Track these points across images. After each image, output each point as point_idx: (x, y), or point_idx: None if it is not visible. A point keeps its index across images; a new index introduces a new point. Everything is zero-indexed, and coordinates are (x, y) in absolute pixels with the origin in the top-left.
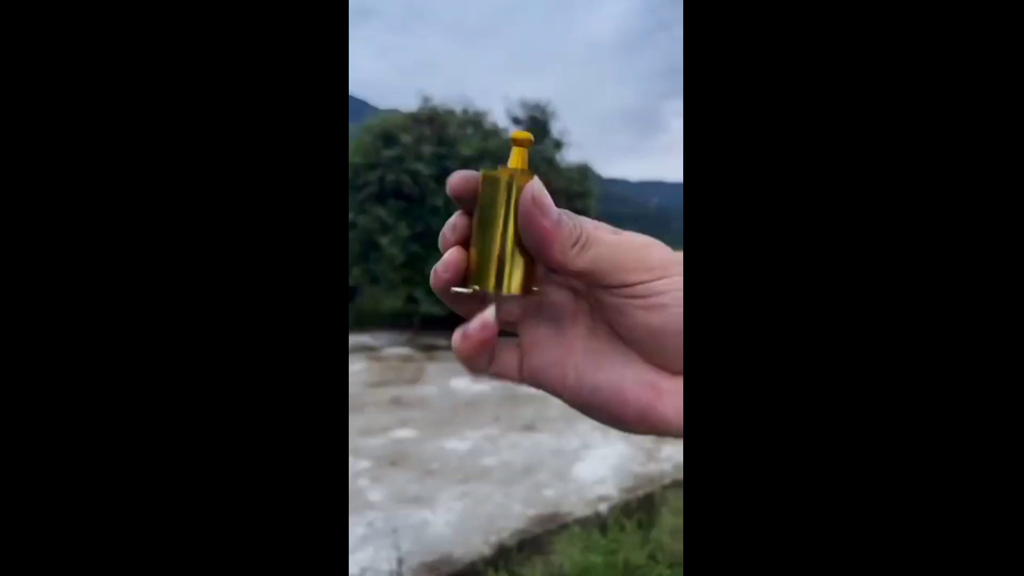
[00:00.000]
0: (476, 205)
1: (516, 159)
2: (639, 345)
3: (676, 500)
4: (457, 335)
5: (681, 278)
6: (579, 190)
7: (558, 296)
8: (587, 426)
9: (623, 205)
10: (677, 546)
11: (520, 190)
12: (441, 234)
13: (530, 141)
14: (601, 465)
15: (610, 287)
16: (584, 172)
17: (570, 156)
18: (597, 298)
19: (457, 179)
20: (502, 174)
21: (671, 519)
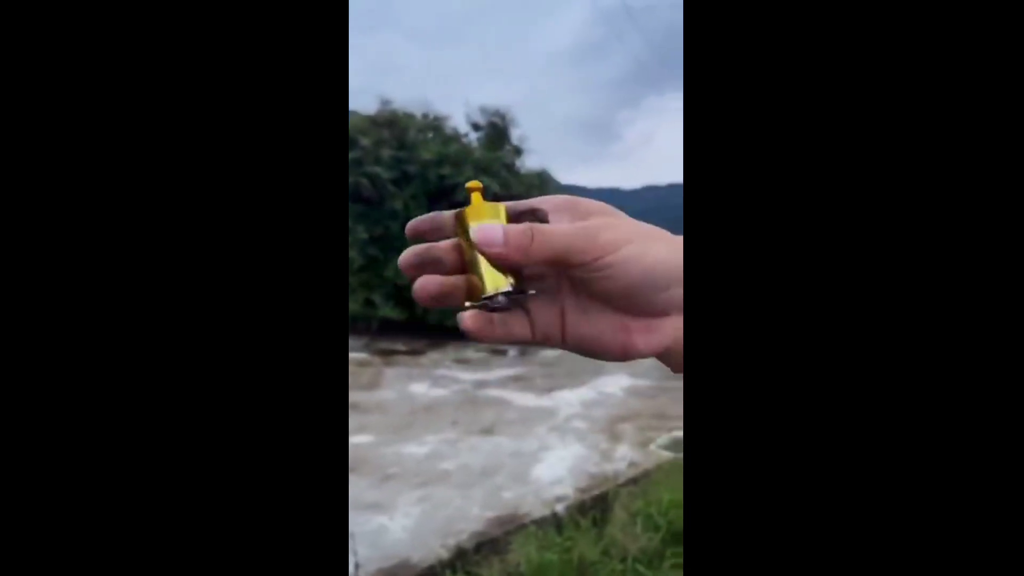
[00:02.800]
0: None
1: (475, 200)
2: (610, 303)
3: (629, 498)
4: (466, 317)
5: (633, 246)
6: (537, 196)
7: (547, 273)
8: (545, 428)
9: None
10: (629, 542)
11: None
12: (425, 262)
13: (479, 187)
14: (559, 466)
15: (572, 266)
16: (543, 178)
17: (529, 162)
18: (568, 274)
19: (415, 224)
20: (459, 217)
21: (624, 516)
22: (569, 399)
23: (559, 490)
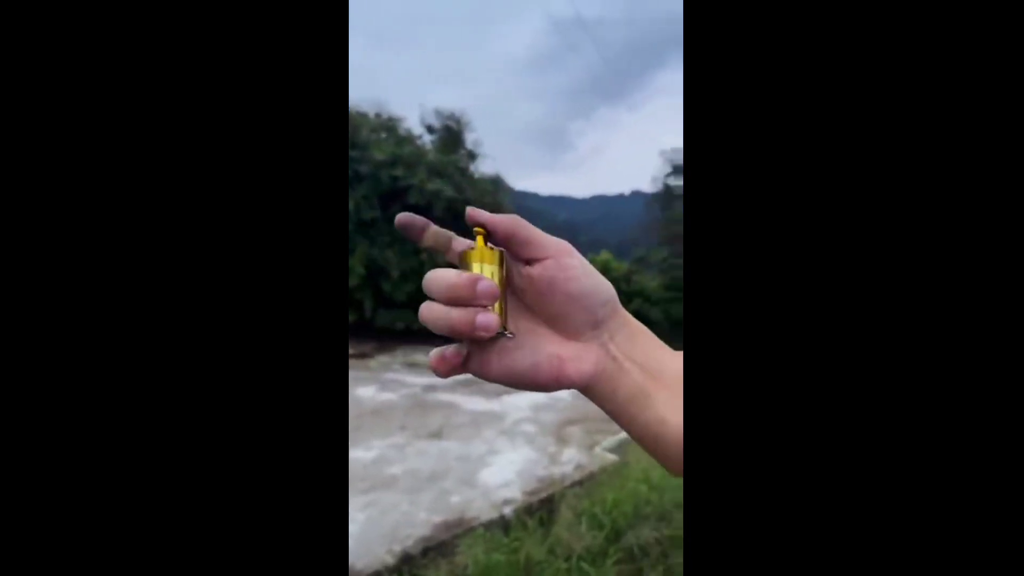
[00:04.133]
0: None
1: (479, 243)
2: (547, 317)
3: (575, 499)
4: (435, 356)
5: (562, 259)
6: (491, 202)
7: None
8: (493, 432)
9: (535, 218)
10: (574, 541)
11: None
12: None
13: (483, 232)
14: (507, 469)
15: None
16: (497, 184)
17: (483, 167)
18: (518, 284)
19: (403, 219)
20: (463, 257)
21: (570, 516)
22: (518, 403)
23: (507, 493)
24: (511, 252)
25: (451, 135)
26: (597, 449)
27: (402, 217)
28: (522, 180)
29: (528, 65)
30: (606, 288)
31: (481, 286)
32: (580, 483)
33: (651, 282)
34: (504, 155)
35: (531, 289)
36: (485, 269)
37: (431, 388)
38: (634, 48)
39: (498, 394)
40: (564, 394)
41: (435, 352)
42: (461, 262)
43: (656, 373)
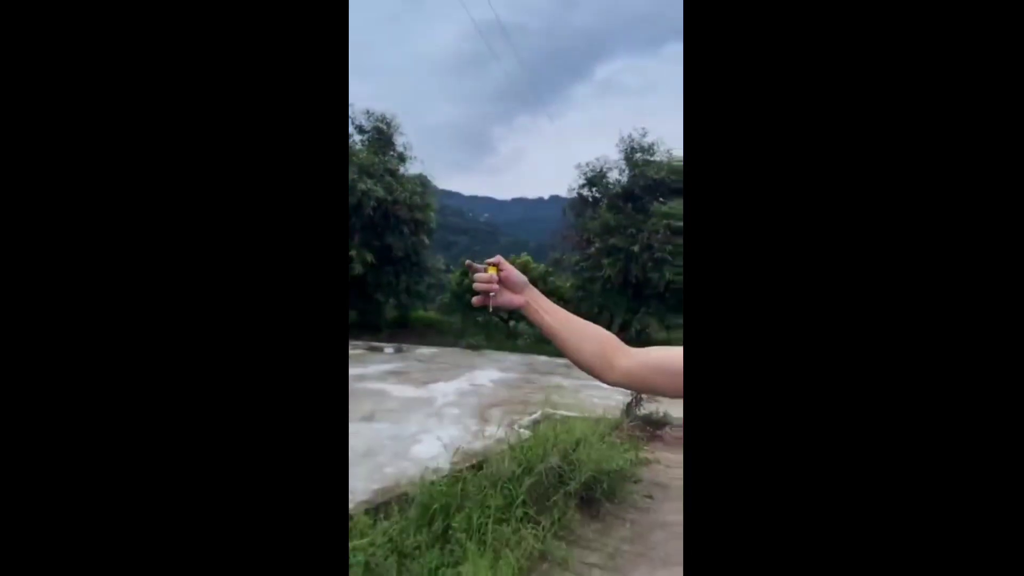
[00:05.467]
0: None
1: (493, 268)
2: (509, 286)
3: (496, 463)
4: (477, 301)
5: (512, 274)
6: (420, 202)
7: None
8: (422, 415)
9: (458, 217)
10: (501, 472)
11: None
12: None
13: (497, 265)
14: (436, 445)
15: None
16: (424, 183)
17: (410, 167)
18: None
19: (468, 265)
20: (489, 270)
21: (492, 469)
22: (445, 390)
23: (437, 464)
24: (502, 269)
25: (382, 137)
26: (515, 427)
27: (468, 264)
28: (445, 180)
29: (449, 69)
30: (524, 279)
31: (493, 276)
32: (501, 452)
33: (564, 283)
34: (427, 155)
35: (505, 280)
36: (492, 271)
37: (361, 379)
38: (553, 59)
39: (425, 383)
40: (485, 382)
41: (476, 298)
42: (486, 271)
43: (547, 308)
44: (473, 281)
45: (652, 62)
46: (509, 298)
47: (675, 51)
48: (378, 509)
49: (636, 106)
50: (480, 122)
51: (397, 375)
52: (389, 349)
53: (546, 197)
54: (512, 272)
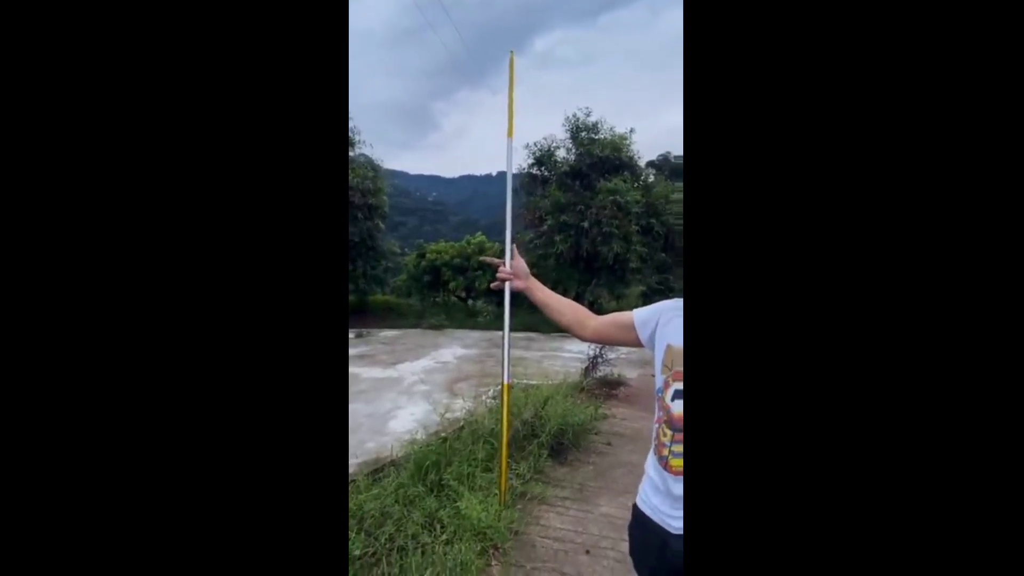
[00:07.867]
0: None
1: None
2: (517, 275)
3: (469, 429)
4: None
5: (520, 264)
6: (372, 187)
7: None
8: (394, 393)
9: (405, 198)
10: (481, 427)
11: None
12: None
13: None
14: (410, 420)
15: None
16: (375, 168)
17: (359, 150)
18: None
19: (486, 261)
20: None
21: (475, 427)
22: (412, 368)
23: (413, 437)
24: (514, 258)
25: None
26: (483, 398)
27: (485, 260)
28: (389, 159)
29: (384, 42)
30: (527, 269)
31: (509, 269)
32: (472, 422)
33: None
34: (370, 134)
35: (516, 271)
36: (508, 264)
37: None
38: (492, 32)
39: (393, 363)
40: (450, 359)
41: (495, 283)
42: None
43: (540, 288)
44: (491, 266)
45: (589, 33)
46: (515, 284)
47: (610, 20)
48: (373, 475)
49: (577, 77)
50: (421, 98)
51: (364, 358)
52: (352, 334)
53: (494, 173)
54: (520, 264)
